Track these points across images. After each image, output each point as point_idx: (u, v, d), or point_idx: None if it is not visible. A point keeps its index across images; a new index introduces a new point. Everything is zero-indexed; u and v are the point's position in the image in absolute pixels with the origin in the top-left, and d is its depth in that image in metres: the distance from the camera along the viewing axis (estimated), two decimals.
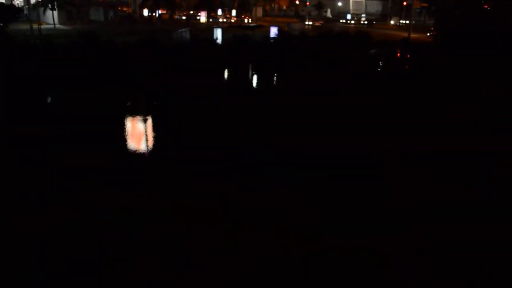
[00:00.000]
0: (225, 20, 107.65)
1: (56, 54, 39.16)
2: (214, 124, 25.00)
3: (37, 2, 74.58)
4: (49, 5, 72.74)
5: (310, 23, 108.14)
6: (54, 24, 73.83)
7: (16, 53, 37.92)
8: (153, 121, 25.85)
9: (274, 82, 41.09)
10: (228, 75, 43.68)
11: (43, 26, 69.87)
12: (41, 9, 73.03)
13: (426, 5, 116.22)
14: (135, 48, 43.32)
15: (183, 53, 45.29)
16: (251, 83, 40.54)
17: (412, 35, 73.95)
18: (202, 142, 21.74)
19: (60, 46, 41.87)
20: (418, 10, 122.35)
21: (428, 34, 79.41)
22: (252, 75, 44.38)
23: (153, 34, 48.61)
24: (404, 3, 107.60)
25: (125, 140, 22.13)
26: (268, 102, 30.87)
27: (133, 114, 26.85)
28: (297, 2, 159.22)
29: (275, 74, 43.88)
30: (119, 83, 34.53)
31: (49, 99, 31.09)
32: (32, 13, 73.02)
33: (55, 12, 74.66)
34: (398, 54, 52.97)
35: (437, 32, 55.86)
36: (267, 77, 42.83)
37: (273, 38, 57.64)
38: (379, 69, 49.76)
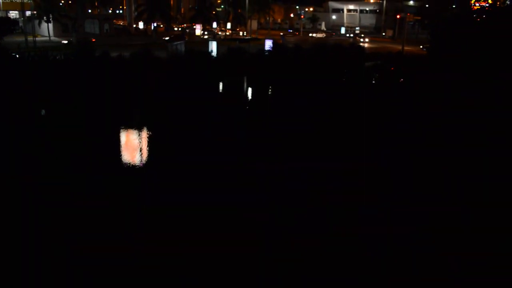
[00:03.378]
0: (220, 32, 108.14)
1: (50, 66, 39.06)
2: (207, 138, 24.94)
3: (32, 15, 74.73)
4: (45, 17, 72.89)
5: (314, 35, 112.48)
6: (49, 36, 73.88)
7: (10, 65, 37.80)
8: (146, 136, 25.77)
9: (269, 96, 41.17)
10: (222, 88, 43.68)
11: (38, 39, 69.92)
12: (36, 21, 73.17)
13: (419, 18, 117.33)
14: (129, 61, 43.31)
15: (178, 65, 45.31)
16: (246, 96, 40.57)
17: (406, 48, 74.43)
18: (192, 156, 21.65)
19: (55, 58, 41.81)
20: (411, 23, 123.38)
21: (421, 46, 79.99)
22: (247, 88, 44.42)
23: (147, 47, 48.61)
24: (398, 16, 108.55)
25: (115, 156, 22.02)
26: (262, 118, 30.78)
27: (125, 127, 26.76)
28: (292, 15, 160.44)
29: (270, 87, 43.95)
30: (112, 96, 34.42)
31: (42, 112, 30.98)
32: (27, 25, 73.20)
33: (50, 25, 74.79)
34: (392, 68, 53.24)
35: (431, 45, 56.12)
36: (262, 90, 42.89)
37: (268, 50, 57.79)
38: (373, 82, 49.96)
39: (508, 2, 69.01)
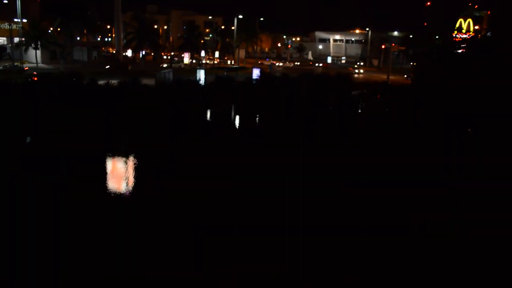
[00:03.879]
0: (208, 61, 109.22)
1: (37, 93, 38.90)
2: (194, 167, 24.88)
3: (20, 42, 74.78)
4: (33, 44, 72.99)
5: (321, 64, 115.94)
6: (37, 63, 73.86)
7: None
8: (131, 166, 25.63)
9: (256, 125, 41.45)
10: (210, 117, 43.83)
11: (25, 65, 69.90)
12: (23, 48, 73.22)
13: (403, 48, 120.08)
14: (117, 89, 43.36)
15: (166, 94, 45.46)
16: (233, 126, 40.73)
17: (391, 77, 75.96)
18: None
19: (43, 85, 41.73)
20: (396, 53, 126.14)
21: (406, 76, 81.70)
22: (234, 117, 44.64)
23: (136, 75, 48.85)
24: (383, 47, 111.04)
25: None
26: (248, 149, 30.76)
27: (109, 156, 26.61)
28: (279, 45, 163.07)
29: (257, 116, 44.24)
30: (99, 124, 34.31)
31: (27, 139, 30.71)
32: (15, 52, 73.22)
33: (38, 51, 74.85)
34: (378, 96, 54.03)
35: (416, 75, 57.23)
36: (249, 119, 43.12)
37: (256, 79, 58.39)
38: (360, 111, 50.57)
39: (489, 34, 70.90)
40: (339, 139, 33.67)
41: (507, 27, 57.24)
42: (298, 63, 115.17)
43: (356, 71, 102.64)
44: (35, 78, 49.20)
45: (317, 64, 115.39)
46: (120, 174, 23.87)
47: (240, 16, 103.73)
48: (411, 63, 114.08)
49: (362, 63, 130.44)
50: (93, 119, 34.81)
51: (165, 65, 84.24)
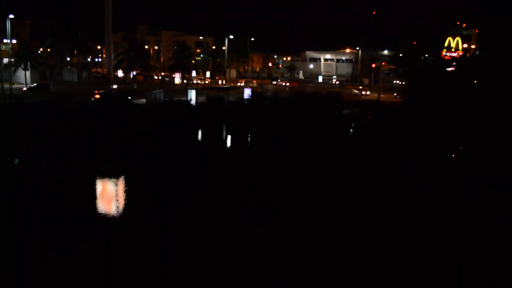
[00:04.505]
0: (199, 81, 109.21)
1: (25, 114, 38.36)
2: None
3: (9, 62, 74.21)
4: (22, 65, 72.47)
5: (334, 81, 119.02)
6: (26, 84, 73.21)
7: None
8: (120, 188, 25.05)
9: (247, 145, 41.08)
10: (201, 137, 43.42)
11: (14, 86, 69.28)
12: (12, 68, 72.67)
13: (393, 67, 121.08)
14: (107, 109, 42.88)
15: (157, 114, 45.06)
16: (224, 145, 40.33)
17: (382, 96, 76.28)
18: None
19: (31, 106, 41.21)
20: (386, 72, 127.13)
21: (395, 94, 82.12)
22: (226, 137, 44.25)
23: (126, 95, 48.51)
24: (373, 65, 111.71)
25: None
26: (238, 170, 30.24)
27: (98, 178, 26.03)
28: (270, 64, 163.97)
29: (248, 136, 43.89)
30: (88, 145, 33.71)
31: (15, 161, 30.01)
32: (4, 72, 72.58)
33: (28, 72, 74.28)
34: (369, 117, 54.03)
35: (407, 95, 57.57)
36: (240, 140, 42.74)
37: (247, 99, 58.21)
38: (351, 130, 50.45)
39: (477, 53, 71.74)
40: (327, 165, 32.15)
41: (495, 45, 57.91)
42: (288, 84, 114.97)
43: (363, 92, 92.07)
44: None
45: (311, 84, 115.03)
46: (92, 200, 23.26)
47: (231, 37, 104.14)
48: (398, 81, 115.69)
49: (346, 79, 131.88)
50: (79, 143, 34.18)
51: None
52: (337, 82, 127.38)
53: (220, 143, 40.92)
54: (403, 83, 74.56)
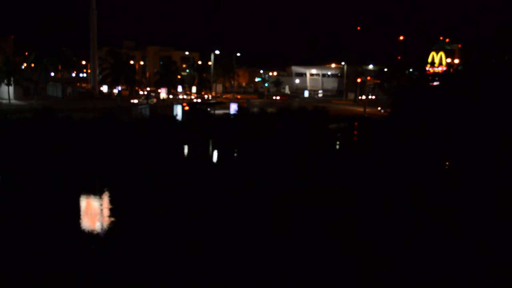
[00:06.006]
0: (185, 96, 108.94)
1: (8, 130, 37.60)
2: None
3: None
4: (5, 80, 71.58)
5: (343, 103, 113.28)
6: (9, 99, 72.22)
7: None
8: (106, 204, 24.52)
9: (234, 160, 40.73)
10: (187, 152, 43.00)
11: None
12: None
13: (378, 81, 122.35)
14: (92, 125, 42.24)
15: (142, 130, 44.49)
16: (210, 161, 39.94)
17: (367, 110, 76.90)
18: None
19: (14, 121, 40.40)
20: (371, 86, 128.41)
21: (379, 108, 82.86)
22: (212, 152, 43.90)
23: (111, 111, 47.78)
24: (358, 80, 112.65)
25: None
26: (224, 184, 29.94)
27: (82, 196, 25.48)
28: (256, 79, 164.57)
29: (235, 151, 43.59)
30: (71, 163, 33.11)
31: None
32: None
33: (11, 88, 73.32)
34: (355, 132, 54.38)
35: (393, 109, 58.20)
36: (226, 154, 42.41)
37: (233, 114, 58.09)
38: (338, 144, 50.52)
39: (461, 68, 72.85)
40: (312, 181, 31.07)
41: (477, 60, 58.90)
42: (279, 97, 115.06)
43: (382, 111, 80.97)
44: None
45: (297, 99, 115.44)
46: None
47: (217, 52, 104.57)
48: (379, 95, 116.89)
49: (332, 94, 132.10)
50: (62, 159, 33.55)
51: (135, 101, 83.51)
52: (321, 96, 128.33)
53: (205, 159, 40.46)
54: (388, 97, 75.44)
